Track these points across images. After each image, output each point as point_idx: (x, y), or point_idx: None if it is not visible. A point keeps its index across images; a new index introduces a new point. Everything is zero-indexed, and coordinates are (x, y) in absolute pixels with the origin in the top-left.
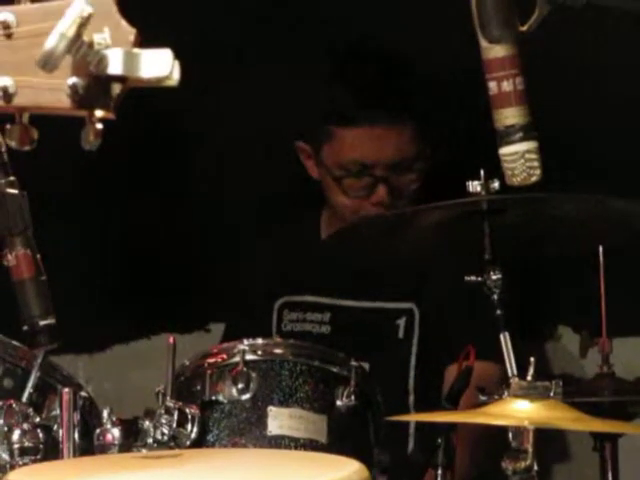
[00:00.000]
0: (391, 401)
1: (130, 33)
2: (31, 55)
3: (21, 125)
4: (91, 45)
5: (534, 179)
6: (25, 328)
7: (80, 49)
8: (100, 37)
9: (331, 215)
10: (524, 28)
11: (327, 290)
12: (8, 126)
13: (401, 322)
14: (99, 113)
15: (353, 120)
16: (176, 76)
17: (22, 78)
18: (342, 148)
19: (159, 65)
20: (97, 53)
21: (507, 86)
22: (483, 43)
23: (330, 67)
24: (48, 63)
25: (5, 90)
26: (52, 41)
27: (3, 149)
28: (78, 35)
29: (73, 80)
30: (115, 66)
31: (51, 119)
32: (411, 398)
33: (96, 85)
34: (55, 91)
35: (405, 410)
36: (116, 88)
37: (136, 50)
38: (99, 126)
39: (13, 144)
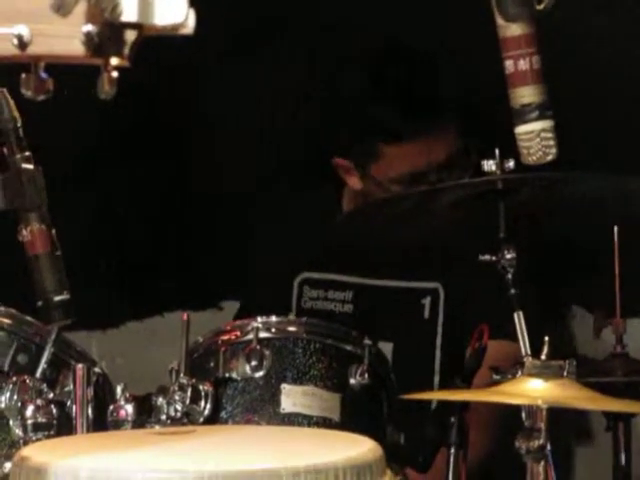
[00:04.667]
0: (417, 381)
1: None
2: (45, 3)
3: (36, 74)
4: None
5: (550, 158)
6: (39, 304)
7: None
8: None
9: (352, 191)
10: (540, 6)
11: (350, 268)
12: (24, 75)
13: (426, 302)
14: (114, 61)
15: (401, 137)
16: (191, 24)
17: (37, 26)
18: (392, 164)
19: (174, 12)
20: (111, 0)
21: (523, 65)
22: (499, 21)
23: (366, 79)
24: (62, 7)
25: (20, 38)
26: None
27: (19, 124)
28: None
29: (87, 27)
30: (130, 13)
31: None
32: (436, 378)
33: (111, 32)
34: (70, 39)
35: (431, 390)
36: (131, 35)
37: None
38: (114, 74)
39: (29, 94)
